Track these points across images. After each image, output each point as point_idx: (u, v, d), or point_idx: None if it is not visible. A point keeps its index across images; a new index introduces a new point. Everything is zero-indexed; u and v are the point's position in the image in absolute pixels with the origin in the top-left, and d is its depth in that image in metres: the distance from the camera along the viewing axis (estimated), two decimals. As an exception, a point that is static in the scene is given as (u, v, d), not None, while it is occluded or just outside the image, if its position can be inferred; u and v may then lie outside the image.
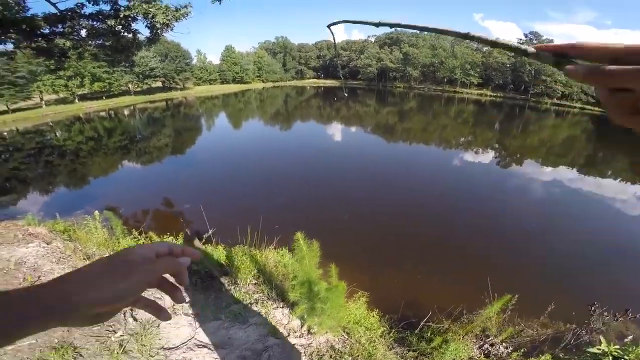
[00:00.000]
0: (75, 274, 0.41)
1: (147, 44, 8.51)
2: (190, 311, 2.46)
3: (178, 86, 65.67)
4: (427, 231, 6.67)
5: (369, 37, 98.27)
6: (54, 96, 43.88)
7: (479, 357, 2.31)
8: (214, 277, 2.98)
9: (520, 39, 79.72)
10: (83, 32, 7.84)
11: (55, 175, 12.63)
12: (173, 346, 2.11)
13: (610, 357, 2.06)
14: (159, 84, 63.03)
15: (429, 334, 2.48)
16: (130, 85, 53.27)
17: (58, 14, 6.90)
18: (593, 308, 2.52)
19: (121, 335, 2.16)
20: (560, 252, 5.83)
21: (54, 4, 6.74)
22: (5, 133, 27.62)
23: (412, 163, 13.72)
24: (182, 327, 2.28)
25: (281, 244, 3.98)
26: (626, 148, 20.18)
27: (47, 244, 3.69)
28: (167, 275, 0.47)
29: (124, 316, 2.35)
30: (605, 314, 2.43)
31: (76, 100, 44.43)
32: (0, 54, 9.26)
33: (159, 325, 2.23)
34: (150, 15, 6.57)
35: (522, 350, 2.40)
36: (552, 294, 3.10)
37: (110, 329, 2.21)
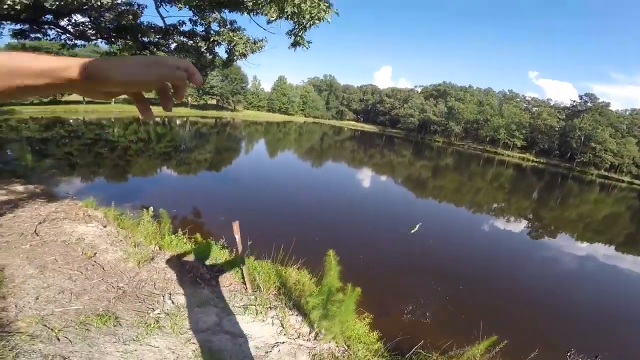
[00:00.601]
0: (113, 59, 0.47)
1: (221, 66, 9.72)
2: (219, 304, 2.83)
3: (229, 107, 70.84)
4: (439, 276, 6.98)
5: (415, 86, 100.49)
6: (123, 95, 49.40)
7: None
8: (244, 282, 3.36)
9: (574, 101, 76.88)
10: (172, 46, 9.15)
11: (100, 165, 13.83)
12: (201, 329, 2.45)
13: None
14: (214, 101, 68.41)
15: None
16: (189, 98, 58.41)
17: (163, 27, 8.18)
18: (569, 354, 2.61)
19: (158, 313, 2.54)
20: (560, 312, 6.22)
21: (162, 18, 8.03)
22: (71, 120, 31.08)
23: (437, 220, 13.62)
24: (210, 315, 2.63)
25: (303, 266, 4.37)
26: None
27: (104, 226, 4.27)
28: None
29: (164, 298, 2.77)
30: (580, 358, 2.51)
31: None
32: (107, 54, 10.88)
33: (191, 309, 2.62)
34: (233, 44, 7.58)
35: None
36: (536, 342, 3.17)
37: (150, 307, 2.60)
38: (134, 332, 2.28)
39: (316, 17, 5.08)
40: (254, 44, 8.01)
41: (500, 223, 14.80)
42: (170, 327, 2.38)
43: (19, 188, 6.10)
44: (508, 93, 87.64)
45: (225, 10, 7.34)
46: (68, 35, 8.72)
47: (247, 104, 78.92)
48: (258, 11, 6.07)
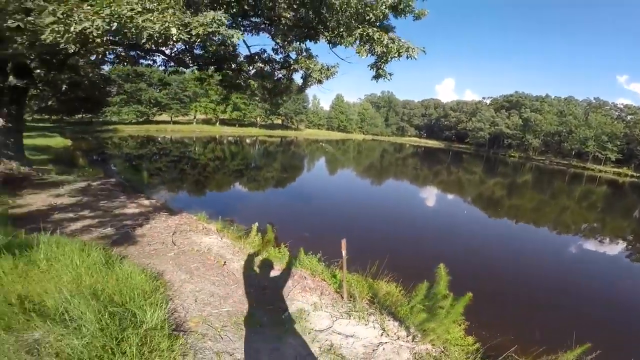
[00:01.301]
0: None
1: (296, 92, 10.63)
2: (327, 309, 3.24)
3: (293, 126, 75.03)
4: (527, 287, 7.22)
5: (483, 98, 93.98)
6: (202, 116, 56.28)
7: None
8: (337, 292, 3.75)
9: None
10: (252, 72, 10.27)
11: (183, 180, 15.85)
12: (319, 330, 2.89)
13: None
14: (279, 121, 73.22)
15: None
16: (258, 119, 63.56)
17: (249, 54, 9.33)
18: None
19: (287, 316, 3.05)
20: None
21: (248, 47, 9.18)
22: (160, 138, 36.08)
23: (514, 242, 12.50)
24: (323, 319, 3.08)
25: (391, 280, 4.64)
26: None
27: (221, 238, 5.09)
28: None
29: (285, 303, 3.28)
30: None
31: (217, 124, 55.94)
32: (198, 79, 12.48)
33: (309, 314, 3.07)
34: (309, 71, 8.30)
35: None
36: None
37: (279, 310, 3.14)
38: (274, 332, 2.75)
39: (404, 54, 5.43)
40: (328, 70, 8.60)
41: (592, 244, 12.97)
42: (299, 327, 2.81)
43: (145, 202, 7.48)
44: (594, 101, 76.72)
45: (307, 41, 8.05)
46: (171, 62, 10.39)
47: (308, 122, 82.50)
48: (338, 43, 6.63)
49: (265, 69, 10.01)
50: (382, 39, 5.39)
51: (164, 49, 8.24)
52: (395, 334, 2.94)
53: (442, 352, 2.79)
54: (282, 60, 9.61)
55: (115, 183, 9.45)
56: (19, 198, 6.66)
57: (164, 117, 48.95)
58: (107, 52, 8.39)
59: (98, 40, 4.09)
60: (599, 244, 13.47)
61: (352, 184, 23.01)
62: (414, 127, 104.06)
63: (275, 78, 10.22)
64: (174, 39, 4.33)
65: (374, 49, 5.56)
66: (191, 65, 9.75)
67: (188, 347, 2.34)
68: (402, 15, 5.58)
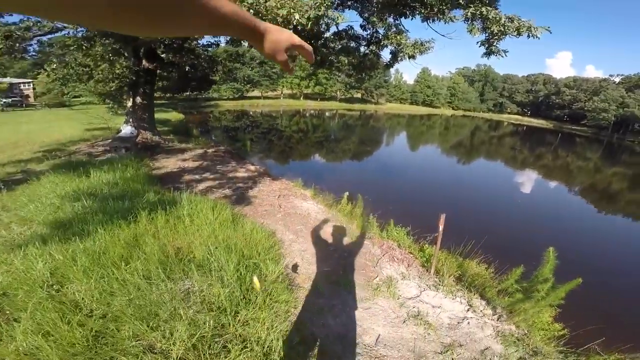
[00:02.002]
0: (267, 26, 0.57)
1: (384, 68, 10.44)
2: (415, 280, 3.58)
3: (373, 100, 73.17)
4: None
5: (611, 76, 76.22)
6: (288, 92, 59.77)
7: None
8: (428, 265, 4.06)
9: None
10: (338, 47, 10.33)
11: (271, 150, 17.30)
12: (407, 297, 3.26)
13: None
14: (359, 95, 72.16)
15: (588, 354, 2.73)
16: (338, 93, 63.98)
17: (337, 31, 9.45)
18: None
19: (378, 281, 3.47)
20: None
21: (336, 25, 9.31)
22: (252, 112, 39.52)
23: (612, 243, 10.62)
24: (412, 288, 3.42)
25: (482, 261, 4.74)
26: None
27: (316, 204, 5.77)
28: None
29: (376, 269, 3.71)
30: None
31: (301, 98, 58.84)
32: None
33: (397, 281, 3.47)
34: (400, 46, 8.07)
35: None
36: None
37: (370, 275, 3.58)
38: (366, 294, 3.20)
39: (525, 33, 4.98)
40: (422, 45, 8.15)
41: None
42: (388, 292, 3.23)
43: (251, 167, 8.70)
44: None
45: (401, 18, 7.74)
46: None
47: (389, 96, 79.23)
48: (437, 19, 6.27)
49: (351, 45, 9.96)
50: (498, 18, 4.98)
51: None
52: (481, 311, 3.12)
53: (525, 334, 2.88)
54: (369, 36, 9.45)
55: (225, 150, 11.07)
56: (156, 162, 8.40)
57: (256, 92, 53.61)
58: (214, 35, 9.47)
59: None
60: None
61: (437, 161, 22.00)
62: (516, 104, 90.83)
63: (362, 54, 10.14)
64: (294, 23, 4.82)
65: (490, 27, 5.18)
66: None
67: (299, 301, 2.79)
68: None
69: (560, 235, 9.77)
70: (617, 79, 73.66)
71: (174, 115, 24.05)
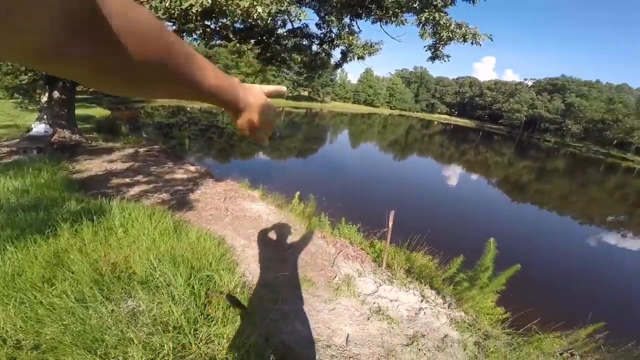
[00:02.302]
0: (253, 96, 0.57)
1: (333, 67, 10.55)
2: (370, 276, 3.63)
3: (319, 98, 74.27)
4: (546, 271, 7.65)
5: (525, 80, 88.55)
6: None
7: (558, 355, 2.85)
8: (379, 260, 4.15)
9: None
10: (289, 45, 10.16)
11: (212, 149, 16.32)
12: (366, 293, 3.29)
13: None
14: (306, 93, 72.57)
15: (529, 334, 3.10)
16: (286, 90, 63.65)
17: (292, 29, 9.27)
18: None
19: (337, 281, 3.44)
20: None
21: (291, 22, 9.10)
22: (189, 108, 36.80)
23: (532, 229, 12.43)
24: (369, 284, 3.47)
25: (427, 253, 5.04)
26: None
27: (267, 205, 5.53)
28: None
29: (333, 268, 3.68)
30: None
31: None
32: (234, 52, 12.62)
33: (355, 279, 3.49)
34: (351, 47, 8.21)
35: None
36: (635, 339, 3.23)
37: (329, 275, 3.53)
38: (329, 294, 3.14)
39: (470, 40, 5.36)
40: (371, 47, 8.44)
41: (614, 238, 12.63)
42: (349, 291, 3.22)
43: (191, 168, 8.05)
44: None
45: (358, 19, 7.88)
46: (213, 35, 10.45)
47: (334, 95, 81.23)
48: (390, 22, 6.52)
49: (304, 43, 9.92)
50: (448, 25, 5.31)
51: (208, 22, 8.35)
52: (433, 300, 3.30)
53: (474, 319, 3.13)
54: (322, 35, 9.51)
55: (159, 150, 10.10)
56: (77, 164, 7.28)
57: None
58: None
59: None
60: (622, 237, 13.14)
61: (377, 158, 23.08)
62: (445, 105, 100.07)
63: (314, 52, 10.15)
64: (255, 16, 4.54)
65: (440, 33, 5.50)
66: (233, 39, 9.86)
67: (263, 309, 2.63)
68: (472, 0, 5.42)
69: (486, 224, 10.99)
70: (530, 83, 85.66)
71: (99, 112, 21.29)
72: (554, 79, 79.20)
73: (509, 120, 79.90)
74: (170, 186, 6.27)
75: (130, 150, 9.26)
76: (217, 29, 9.79)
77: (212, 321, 2.21)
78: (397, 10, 5.94)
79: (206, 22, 8.51)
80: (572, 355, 2.90)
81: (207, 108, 39.94)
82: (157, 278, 2.47)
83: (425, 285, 3.63)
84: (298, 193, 5.74)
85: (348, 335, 2.63)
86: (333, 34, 8.95)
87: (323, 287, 3.25)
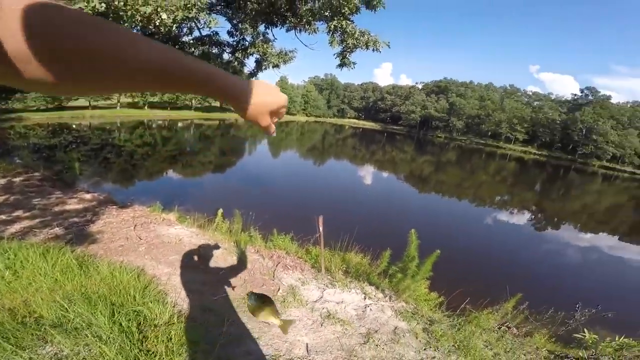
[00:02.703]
0: (256, 86, 0.56)
1: (247, 76, 10.25)
2: (313, 282, 3.58)
3: (233, 109, 71.52)
4: (460, 253, 8.54)
5: (416, 83, 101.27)
6: (129, 100, 50.08)
7: (497, 329, 3.28)
8: (318, 266, 4.12)
9: (575, 94, 78.29)
10: (196, 53, 9.54)
11: (111, 171, 14.05)
12: (313, 300, 3.23)
13: (590, 342, 3.06)
14: (217, 103, 69.05)
15: (466, 314, 3.50)
16: (193, 101, 58.94)
17: (200, 36, 8.63)
18: (577, 307, 3.47)
19: (281, 293, 3.30)
20: (564, 282, 7.80)
21: (199, 29, 8.45)
22: (74, 125, 31.03)
23: (447, 215, 14.29)
24: (313, 291, 3.42)
25: (359, 251, 5.21)
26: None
27: (187, 228, 4.98)
28: None
29: (274, 281, 3.51)
30: (586, 310, 3.40)
31: (146, 107, 50.17)
32: None
33: (299, 288, 3.39)
34: (266, 55, 8.05)
35: (527, 329, 3.47)
36: (553, 306, 3.98)
37: (272, 288, 3.36)
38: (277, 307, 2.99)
39: (372, 47, 5.75)
40: (286, 55, 8.48)
41: (504, 215, 15.52)
42: (296, 301, 3.10)
43: (87, 196, 6.79)
44: (509, 88, 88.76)
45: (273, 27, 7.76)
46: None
47: (248, 104, 79.60)
48: (302, 30, 6.63)
49: (213, 51, 9.44)
50: (354, 32, 5.63)
51: None
52: (375, 296, 3.45)
53: (415, 307, 3.38)
54: (235, 43, 9.17)
55: (41, 177, 8.28)
56: None
57: (81, 102, 42.30)
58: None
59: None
60: (510, 214, 16.18)
61: (298, 165, 23.38)
62: (354, 109, 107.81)
63: (225, 61, 9.74)
64: (157, 23, 4.05)
65: (346, 40, 5.78)
66: None
67: (209, 337, 2.43)
68: (374, 9, 5.84)
69: (404, 216, 12.14)
70: (420, 86, 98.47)
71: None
72: (438, 82, 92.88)
73: (407, 121, 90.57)
74: (62, 219, 5.21)
75: (2, 181, 7.40)
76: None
77: (154, 356, 2.04)
78: (310, 18, 6.11)
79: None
80: (508, 328, 3.38)
81: (99, 124, 34.50)
82: (73, 319, 2.24)
83: (364, 282, 3.77)
84: (220, 210, 5.38)
85: (307, 344, 2.58)
86: (246, 42, 8.70)
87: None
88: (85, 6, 3.28)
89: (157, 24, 4.11)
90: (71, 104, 40.19)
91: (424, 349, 2.72)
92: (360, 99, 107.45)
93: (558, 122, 73.28)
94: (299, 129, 62.28)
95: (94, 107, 42.60)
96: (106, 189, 9.47)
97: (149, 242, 4.34)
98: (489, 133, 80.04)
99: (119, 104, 47.60)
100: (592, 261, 10.66)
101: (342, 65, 6.50)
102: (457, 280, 5.57)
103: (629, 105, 73.72)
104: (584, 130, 68.38)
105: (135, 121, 41.14)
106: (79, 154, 16.39)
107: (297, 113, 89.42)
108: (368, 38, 5.70)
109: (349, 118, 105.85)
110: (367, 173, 22.99)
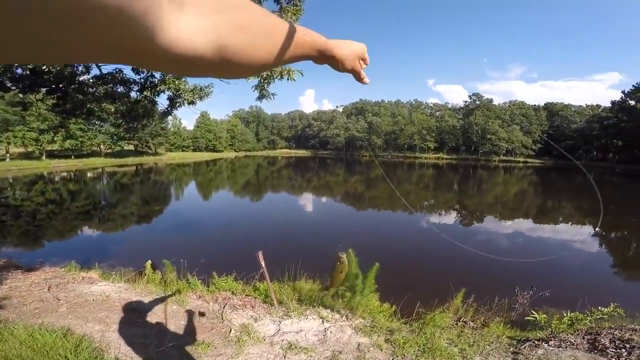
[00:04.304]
0: (337, 40, 0.59)
1: (160, 115, 9.55)
2: (267, 318, 3.35)
3: (150, 151, 65.90)
4: (397, 259, 8.93)
5: (337, 106, 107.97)
6: (21, 149, 42.24)
7: (455, 326, 3.45)
8: (269, 300, 3.89)
9: (466, 101, 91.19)
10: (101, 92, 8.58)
11: (6, 234, 12.02)
12: (271, 335, 3.02)
13: (543, 321, 3.35)
14: (132, 147, 63.11)
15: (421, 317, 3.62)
16: (102, 146, 52.78)
17: (100, 74, 7.81)
18: (516, 290, 3.91)
19: (234, 333, 3.01)
20: (498, 271, 8.43)
21: (99, 67, 7.64)
22: None
23: (383, 228, 15.05)
24: (269, 325, 3.19)
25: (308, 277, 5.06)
26: (567, 194, 23.51)
27: (113, 283, 4.27)
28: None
29: (223, 323, 3.19)
30: (525, 293, 3.86)
31: (43, 157, 42.77)
32: (16, 104, 9.43)
33: (253, 325, 3.12)
34: (179, 92, 7.69)
35: (482, 320, 3.68)
36: (496, 294, 4.37)
37: (223, 331, 3.05)
38: (232, 349, 2.69)
39: (286, 77, 5.96)
40: (201, 90, 8.22)
41: (434, 217, 17.10)
42: (252, 339, 2.84)
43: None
44: (414, 102, 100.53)
45: None
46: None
47: (169, 145, 74.52)
48: None
49: (118, 90, 8.66)
50: None
51: None
52: (332, 318, 3.36)
53: (372, 321, 3.39)
54: (142, 80, 8.56)
55: None
56: None
57: None
58: None
59: None
60: (438, 215, 17.86)
61: (234, 203, 22.41)
62: (284, 139, 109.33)
63: (133, 100, 8.98)
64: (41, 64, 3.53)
65: (261, 73, 5.91)
66: (13, 88, 7.53)
67: None
68: None
69: (344, 236, 12.42)
70: (341, 109, 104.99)
71: None
72: (355, 103, 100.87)
73: (334, 144, 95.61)
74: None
75: None
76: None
77: None
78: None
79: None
80: (465, 323, 3.55)
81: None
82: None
83: (319, 307, 3.67)
84: (149, 262, 4.82)
85: None
86: (155, 79, 8.22)
87: (222, 344, 2.79)
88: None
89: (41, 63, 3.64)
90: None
91: (392, 359, 2.72)
92: (289, 128, 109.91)
93: (458, 127, 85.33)
94: (229, 165, 60.42)
95: (-25, 163, 35.10)
96: (5, 254, 7.80)
97: (70, 302, 3.61)
98: (405, 146, 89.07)
99: (7, 155, 39.85)
100: (517, 245, 12.19)
101: (261, 97, 6.61)
102: (404, 288, 5.78)
103: (507, 105, 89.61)
104: (479, 132, 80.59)
105: (32, 175, 34.94)
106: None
107: (224, 149, 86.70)
108: (281, 69, 5.93)
109: (280, 148, 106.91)
110: (306, 200, 23.17)
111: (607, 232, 13.61)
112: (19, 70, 7.53)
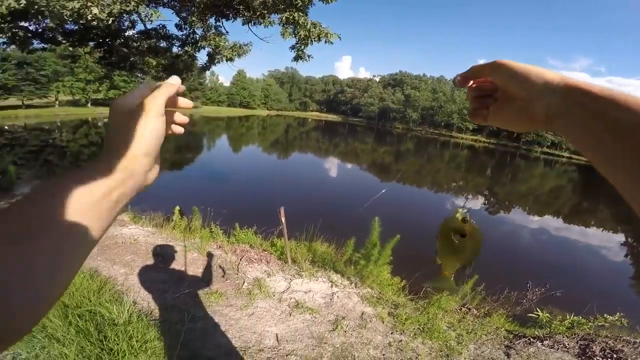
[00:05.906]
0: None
1: (200, 70, 9.72)
2: (279, 274, 3.58)
3: (187, 103, 67.85)
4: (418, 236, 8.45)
5: (374, 76, 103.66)
6: (69, 97, 45.39)
7: (458, 311, 3.52)
8: (284, 257, 4.12)
9: None
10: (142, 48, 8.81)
11: (51, 173, 12.62)
12: (280, 291, 3.25)
13: (544, 320, 3.38)
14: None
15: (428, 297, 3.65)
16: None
17: (145, 30, 8.02)
18: (528, 286, 3.84)
19: (247, 286, 3.26)
20: (516, 263, 8.16)
21: (144, 23, 7.81)
22: (7, 127, 27.47)
23: (407, 202, 14.90)
24: (280, 282, 3.44)
25: (325, 240, 5.30)
26: (610, 198, 21.95)
27: (142, 227, 4.69)
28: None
29: (238, 275, 3.47)
30: (536, 289, 3.77)
31: (89, 105, 45.97)
32: (66, 57, 10.12)
33: (265, 280, 3.39)
34: (219, 49, 7.71)
35: (486, 310, 3.71)
36: (507, 286, 4.29)
37: (237, 282, 3.31)
38: (243, 301, 2.97)
39: (324, 39, 5.73)
40: (240, 48, 8.17)
41: (460, 201, 16.64)
42: (262, 293, 3.08)
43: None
44: None
45: (223, 20, 7.41)
46: (35, 39, 8.18)
47: (206, 99, 76.17)
48: (258, 23, 6.42)
49: (161, 45, 8.80)
50: (306, 24, 5.57)
51: (26, 24, 6.40)
52: (341, 283, 3.53)
53: (380, 292, 3.50)
54: (184, 36, 8.60)
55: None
56: None
57: (12, 101, 37.56)
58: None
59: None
60: (465, 199, 17.36)
61: (261, 159, 23.00)
62: (316, 102, 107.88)
63: (174, 54, 9.12)
64: (89, 18, 3.67)
65: (299, 32, 5.71)
66: (63, 42, 7.86)
67: (172, 334, 2.38)
68: (326, 1, 5.82)
69: (371, 205, 12.43)
70: (377, 79, 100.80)
71: None
72: (394, 75, 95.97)
73: (367, 113, 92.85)
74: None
75: None
76: (40, 30, 7.64)
77: (117, 355, 2.01)
78: (264, 11, 5.95)
79: (21, 24, 6.51)
80: (468, 309, 3.60)
81: (36, 124, 30.96)
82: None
83: (330, 271, 3.85)
84: (178, 208, 5.15)
85: (277, 334, 2.60)
86: (197, 36, 8.24)
87: (234, 295, 3.05)
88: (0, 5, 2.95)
89: (90, 18, 3.77)
90: (1, 103, 35.62)
91: (391, 333, 2.84)
92: (322, 92, 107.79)
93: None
94: (260, 123, 61.05)
95: (28, 107, 38.15)
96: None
97: (101, 243, 4.03)
98: (442, 123, 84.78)
99: (57, 102, 42.95)
100: (540, 242, 11.73)
101: (297, 58, 6.45)
102: (417, 265, 5.85)
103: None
104: (526, 119, 75.46)
105: (78, 120, 37.50)
106: (14, 157, 14.60)
107: (257, 107, 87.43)
108: (320, 30, 5.70)
109: (312, 111, 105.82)
110: (331, 165, 23.25)
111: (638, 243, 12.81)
112: (70, 26, 7.84)
